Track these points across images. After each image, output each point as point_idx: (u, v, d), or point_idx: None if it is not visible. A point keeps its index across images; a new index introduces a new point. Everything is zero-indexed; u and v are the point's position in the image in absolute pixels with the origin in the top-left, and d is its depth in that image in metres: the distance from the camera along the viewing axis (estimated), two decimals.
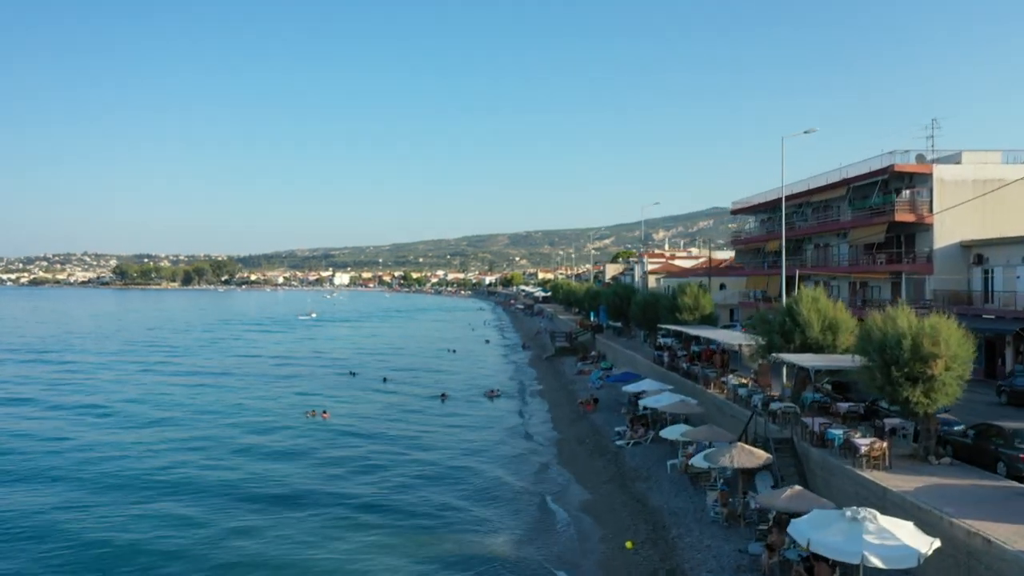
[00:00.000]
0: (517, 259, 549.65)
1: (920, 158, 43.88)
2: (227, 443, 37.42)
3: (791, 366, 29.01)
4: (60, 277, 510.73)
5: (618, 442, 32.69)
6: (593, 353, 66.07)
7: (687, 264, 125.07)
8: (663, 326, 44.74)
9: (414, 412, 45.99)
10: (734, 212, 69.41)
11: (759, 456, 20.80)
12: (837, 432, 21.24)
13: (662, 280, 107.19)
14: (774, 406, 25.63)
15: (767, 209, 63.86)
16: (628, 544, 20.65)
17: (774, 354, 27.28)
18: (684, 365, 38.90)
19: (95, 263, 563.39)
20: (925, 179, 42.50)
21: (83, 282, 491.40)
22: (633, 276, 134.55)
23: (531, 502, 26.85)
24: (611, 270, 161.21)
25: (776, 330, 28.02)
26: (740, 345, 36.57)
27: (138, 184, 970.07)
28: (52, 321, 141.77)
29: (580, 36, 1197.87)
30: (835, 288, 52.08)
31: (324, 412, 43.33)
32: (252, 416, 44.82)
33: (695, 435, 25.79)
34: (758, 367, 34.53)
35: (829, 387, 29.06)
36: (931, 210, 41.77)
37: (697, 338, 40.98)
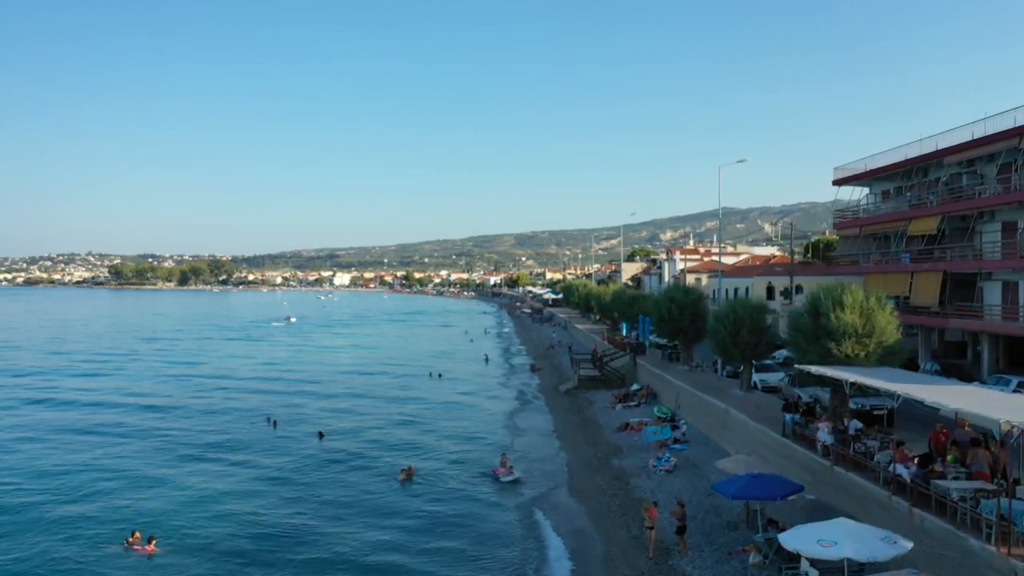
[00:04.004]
0: (523, 259, 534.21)
1: None
2: None
3: None
4: (55, 277, 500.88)
5: None
6: (636, 388, 44.86)
7: (728, 261, 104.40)
8: (806, 367, 23.24)
9: (335, 522, 24.92)
10: (838, 182, 48.03)
11: None
12: None
13: (706, 280, 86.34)
14: None
15: (900, 173, 42.46)
16: None
17: None
18: (896, 468, 17.43)
19: (99, 263, 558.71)
20: None
21: (78, 282, 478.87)
22: (661, 276, 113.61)
23: None
24: (629, 269, 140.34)
25: None
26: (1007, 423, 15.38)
27: (143, 185, 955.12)
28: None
29: (584, 33, 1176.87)
30: None
31: (150, 540, 22.29)
32: (30, 540, 23.99)
33: None
34: None
35: None
36: None
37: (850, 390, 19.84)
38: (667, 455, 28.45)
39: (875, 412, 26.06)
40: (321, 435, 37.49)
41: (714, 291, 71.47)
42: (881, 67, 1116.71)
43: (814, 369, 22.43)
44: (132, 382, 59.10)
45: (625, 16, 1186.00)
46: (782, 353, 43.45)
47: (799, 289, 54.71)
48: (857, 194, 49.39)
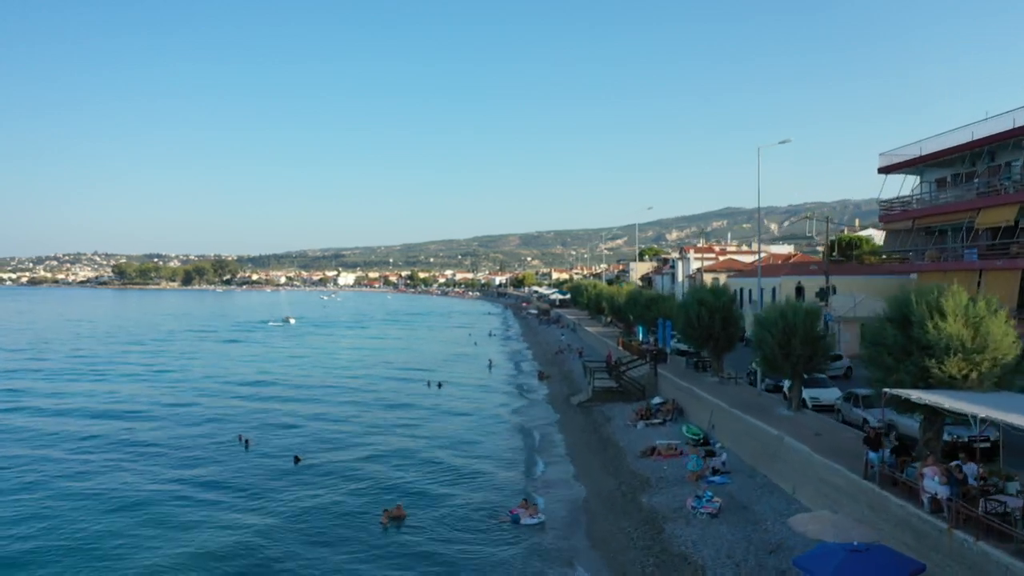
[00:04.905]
0: (529, 259, 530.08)
1: None
2: None
3: None
4: (59, 277, 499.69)
5: None
6: (658, 401, 39.65)
7: (747, 260, 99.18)
8: (897, 391, 17.99)
9: None
10: (884, 170, 42.71)
11: None
12: None
13: (724, 280, 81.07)
14: None
15: (963, 157, 37.13)
16: None
17: None
18: None
19: (105, 263, 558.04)
20: None
21: (82, 282, 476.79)
22: (674, 275, 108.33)
23: None
24: (639, 269, 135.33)
25: None
26: None
27: (145, 185, 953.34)
28: None
29: (584, 33, 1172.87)
30: None
31: None
32: None
33: None
34: None
35: None
36: None
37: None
38: (709, 493, 23.23)
39: (975, 444, 20.84)
40: (297, 460, 32.40)
41: (737, 292, 66.25)
42: (881, 67, 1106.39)
43: (915, 396, 17.17)
44: (104, 386, 54.30)
45: (625, 16, 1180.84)
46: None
47: (834, 290, 49.58)
48: (900, 184, 44.00)
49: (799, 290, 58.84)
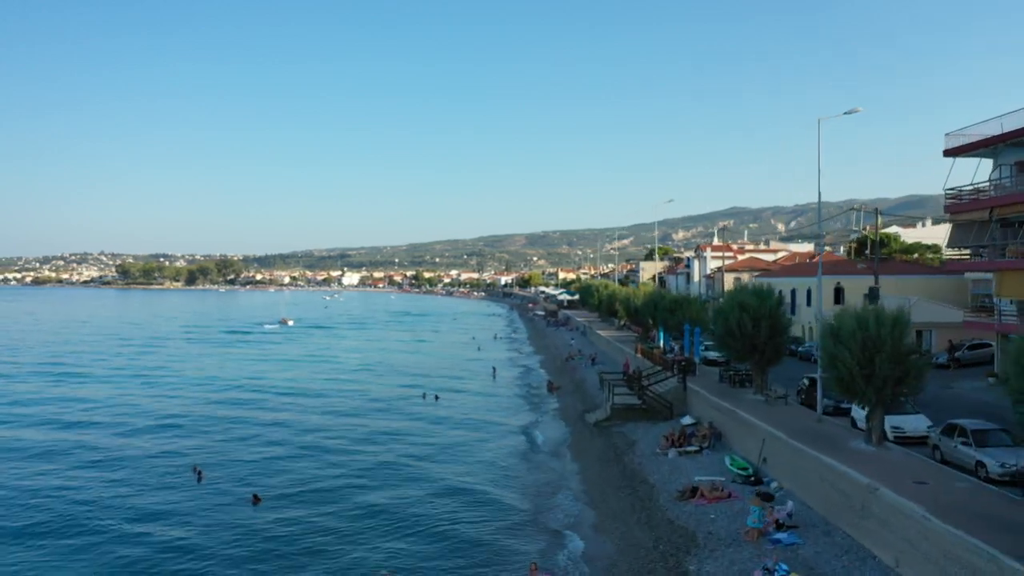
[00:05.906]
0: (535, 259, 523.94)
1: None
2: None
3: None
4: (64, 276, 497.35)
5: None
6: (690, 422, 33.73)
7: (769, 258, 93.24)
8: None
9: None
10: (952, 152, 36.55)
11: None
12: None
13: (746, 279, 75.18)
14: None
15: None
16: None
17: None
18: None
19: (111, 263, 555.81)
20: None
21: (85, 281, 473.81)
22: (689, 275, 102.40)
23: None
24: (650, 268, 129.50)
25: None
26: None
27: (147, 185, 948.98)
28: None
29: (584, 33, 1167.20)
30: None
31: None
32: None
33: None
34: None
35: None
36: None
37: None
38: (784, 567, 17.32)
39: None
40: (257, 499, 26.62)
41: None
42: (885, 67, 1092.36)
43: None
44: (65, 390, 48.71)
45: (625, 16, 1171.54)
46: None
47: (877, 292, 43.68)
48: (976, 167, 37.89)
49: (838, 291, 53.01)
